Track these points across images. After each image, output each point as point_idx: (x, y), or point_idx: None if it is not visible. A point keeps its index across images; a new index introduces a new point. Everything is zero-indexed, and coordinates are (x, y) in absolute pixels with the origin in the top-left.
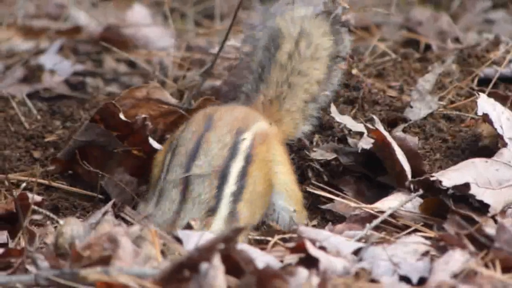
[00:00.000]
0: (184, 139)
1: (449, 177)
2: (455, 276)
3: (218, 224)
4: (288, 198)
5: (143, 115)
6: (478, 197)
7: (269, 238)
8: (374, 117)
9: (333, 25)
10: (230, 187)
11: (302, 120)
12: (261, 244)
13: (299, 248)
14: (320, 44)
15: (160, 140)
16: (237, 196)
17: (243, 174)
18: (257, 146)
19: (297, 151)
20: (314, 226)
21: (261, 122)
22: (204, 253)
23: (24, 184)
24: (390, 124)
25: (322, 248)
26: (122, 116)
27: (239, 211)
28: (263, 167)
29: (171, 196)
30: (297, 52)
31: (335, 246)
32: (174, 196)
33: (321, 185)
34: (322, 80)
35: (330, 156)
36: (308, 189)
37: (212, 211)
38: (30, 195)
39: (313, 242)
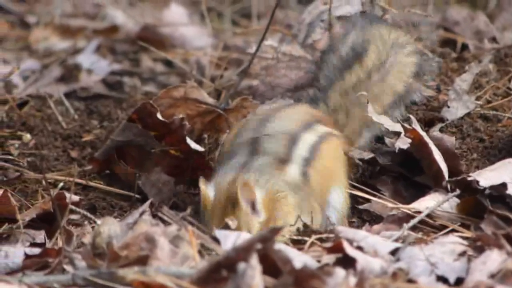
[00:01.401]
0: (253, 116)
1: (486, 177)
2: (492, 276)
3: (293, 173)
4: (341, 201)
5: (181, 115)
6: None
7: (306, 238)
8: (411, 117)
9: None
10: (302, 151)
11: (364, 129)
12: (298, 244)
13: (337, 248)
14: (398, 74)
15: (198, 140)
16: (308, 161)
17: (315, 147)
18: (329, 137)
19: None
20: (352, 223)
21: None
22: (242, 253)
23: (61, 184)
24: (427, 124)
25: (359, 248)
26: (159, 116)
27: (310, 175)
28: (331, 155)
29: (239, 154)
30: (368, 78)
31: (373, 246)
32: (243, 153)
33: (358, 185)
34: (389, 102)
35: (368, 155)
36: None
37: (284, 162)
38: (67, 194)
39: (351, 242)
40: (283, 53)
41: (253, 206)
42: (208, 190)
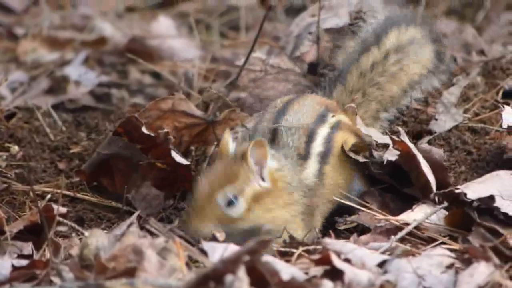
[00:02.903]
0: (270, 108)
1: (474, 190)
2: None
3: (311, 171)
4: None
5: (166, 129)
6: (503, 210)
7: (294, 250)
8: (400, 129)
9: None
10: (318, 146)
11: (380, 111)
12: (285, 256)
13: (324, 260)
14: (410, 67)
15: (186, 152)
16: (323, 158)
17: (330, 139)
18: (343, 128)
19: None
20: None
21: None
22: (229, 265)
23: (49, 196)
24: (416, 136)
25: (347, 260)
26: (144, 129)
27: (326, 173)
28: (345, 144)
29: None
30: (382, 64)
31: (360, 258)
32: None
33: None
34: (396, 97)
35: (362, 159)
36: (335, 198)
37: (303, 159)
38: (55, 206)
39: (338, 254)
40: (271, 65)
41: (261, 168)
42: (230, 140)
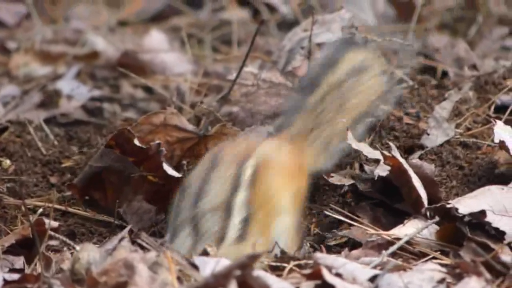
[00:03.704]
0: (192, 179)
1: (465, 204)
2: None
3: (225, 247)
4: (286, 231)
5: (158, 141)
6: (494, 225)
7: (285, 265)
8: (391, 144)
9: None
10: (237, 216)
11: (326, 153)
12: (276, 270)
13: (315, 274)
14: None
15: (177, 166)
16: (245, 222)
17: (247, 203)
18: (261, 174)
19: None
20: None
21: (265, 150)
22: (221, 279)
23: (40, 210)
24: (407, 151)
25: (338, 275)
26: (136, 142)
27: (248, 234)
28: (267, 194)
29: (184, 234)
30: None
31: (351, 273)
32: (187, 233)
33: (339, 209)
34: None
35: (348, 182)
36: (327, 212)
37: (221, 239)
38: (46, 220)
39: (329, 269)
40: (263, 80)
41: None
42: None
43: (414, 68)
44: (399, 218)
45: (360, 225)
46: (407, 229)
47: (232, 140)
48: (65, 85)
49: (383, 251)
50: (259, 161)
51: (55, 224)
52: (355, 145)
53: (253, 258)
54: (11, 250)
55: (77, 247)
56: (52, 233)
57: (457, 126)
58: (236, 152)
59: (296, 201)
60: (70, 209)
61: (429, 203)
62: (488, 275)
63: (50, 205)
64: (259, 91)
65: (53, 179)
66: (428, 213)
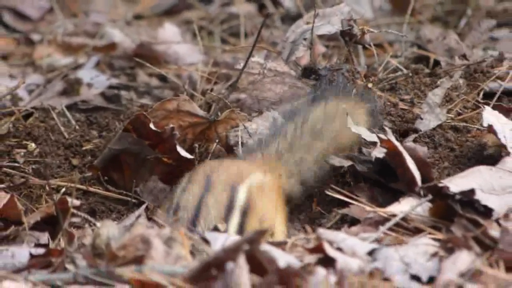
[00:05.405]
0: (185, 202)
1: (456, 184)
2: (462, 275)
3: None
4: None
5: (171, 125)
6: (483, 202)
7: (288, 240)
8: (387, 128)
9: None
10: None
11: (298, 174)
12: (280, 245)
13: (318, 249)
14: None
15: (189, 149)
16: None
17: (241, 230)
18: (253, 198)
19: None
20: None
21: (255, 174)
22: (230, 253)
23: (63, 189)
24: (402, 135)
25: (339, 249)
26: (152, 126)
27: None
28: (259, 219)
29: None
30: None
31: (351, 247)
32: None
33: (339, 189)
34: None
35: (347, 163)
36: (328, 192)
37: None
38: (69, 199)
39: (331, 243)
40: (269, 69)
41: None
42: None
43: (408, 57)
44: (394, 197)
45: (359, 204)
46: (402, 207)
47: (221, 162)
48: (85, 74)
49: (380, 227)
50: (252, 186)
51: (77, 202)
52: (354, 128)
53: (261, 233)
54: (37, 227)
55: (98, 224)
56: (75, 211)
57: (449, 111)
58: (227, 176)
59: (283, 219)
60: (90, 189)
61: (422, 183)
62: (477, 249)
63: (72, 185)
64: (265, 80)
65: (75, 161)
66: (421, 192)
